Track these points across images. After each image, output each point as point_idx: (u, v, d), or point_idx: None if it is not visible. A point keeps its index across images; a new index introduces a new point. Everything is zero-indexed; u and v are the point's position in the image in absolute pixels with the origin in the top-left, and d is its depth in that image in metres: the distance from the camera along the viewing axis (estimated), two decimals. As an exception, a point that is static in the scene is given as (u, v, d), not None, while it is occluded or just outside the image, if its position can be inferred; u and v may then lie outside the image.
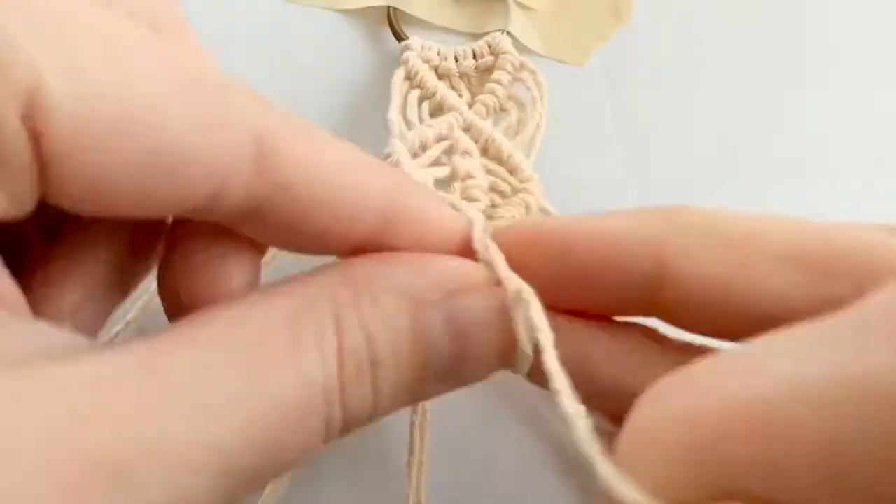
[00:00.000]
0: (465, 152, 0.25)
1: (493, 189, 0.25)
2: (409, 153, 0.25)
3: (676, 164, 0.28)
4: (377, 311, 0.15)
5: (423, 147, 0.25)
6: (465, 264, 0.16)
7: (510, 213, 0.24)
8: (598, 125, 0.28)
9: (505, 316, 0.15)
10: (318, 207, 0.15)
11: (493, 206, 0.25)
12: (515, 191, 0.25)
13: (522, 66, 0.28)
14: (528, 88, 0.27)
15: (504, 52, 0.28)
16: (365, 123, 0.28)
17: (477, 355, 0.16)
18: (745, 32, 0.31)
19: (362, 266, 0.15)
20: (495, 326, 0.15)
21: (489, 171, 0.26)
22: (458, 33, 0.30)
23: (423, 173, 0.24)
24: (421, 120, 0.27)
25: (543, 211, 0.25)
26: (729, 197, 0.27)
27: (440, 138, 0.26)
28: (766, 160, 0.28)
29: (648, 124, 0.28)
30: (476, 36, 0.29)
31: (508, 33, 0.28)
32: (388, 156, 0.25)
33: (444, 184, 0.25)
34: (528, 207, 0.25)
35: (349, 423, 0.15)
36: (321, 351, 0.14)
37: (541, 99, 0.27)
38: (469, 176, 0.25)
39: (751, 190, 0.27)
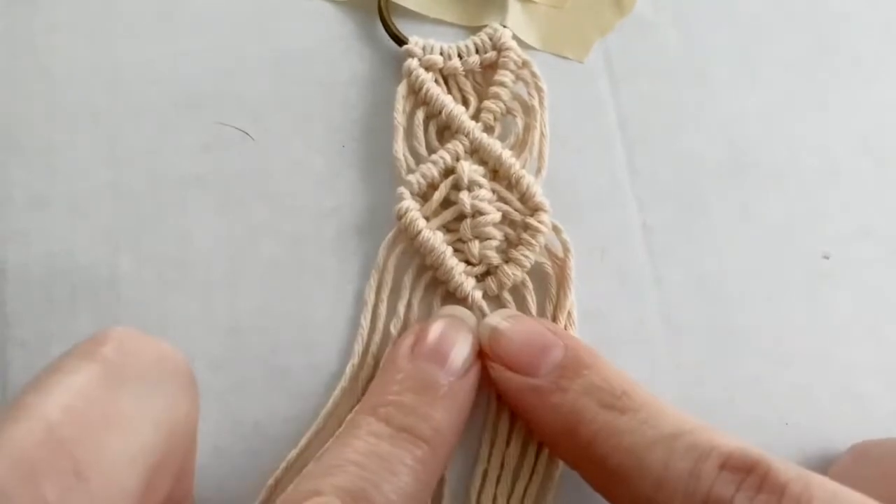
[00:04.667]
0: (473, 183, 0.25)
1: (505, 218, 0.25)
2: (419, 193, 0.25)
3: (680, 164, 0.27)
4: None
5: (433, 185, 0.25)
6: None
7: (525, 256, 0.25)
8: (599, 122, 0.28)
9: None
10: None
11: (508, 241, 0.25)
12: (527, 226, 0.25)
13: (525, 65, 0.27)
14: (529, 95, 0.27)
15: (507, 49, 0.27)
16: (361, 116, 0.28)
17: None
18: (752, 22, 0.29)
19: None
20: None
21: (500, 198, 0.26)
22: (453, 25, 0.28)
23: (437, 239, 0.25)
24: (429, 145, 0.26)
25: (556, 230, 0.26)
26: (734, 198, 0.27)
27: (447, 171, 0.26)
28: (771, 160, 0.27)
29: (651, 122, 0.27)
30: (472, 29, 0.28)
31: (505, 27, 0.27)
32: (400, 216, 0.24)
33: (455, 223, 0.25)
34: (541, 246, 0.25)
35: None
36: None
37: (540, 106, 0.27)
38: (479, 212, 0.25)
39: (756, 190, 0.27)
